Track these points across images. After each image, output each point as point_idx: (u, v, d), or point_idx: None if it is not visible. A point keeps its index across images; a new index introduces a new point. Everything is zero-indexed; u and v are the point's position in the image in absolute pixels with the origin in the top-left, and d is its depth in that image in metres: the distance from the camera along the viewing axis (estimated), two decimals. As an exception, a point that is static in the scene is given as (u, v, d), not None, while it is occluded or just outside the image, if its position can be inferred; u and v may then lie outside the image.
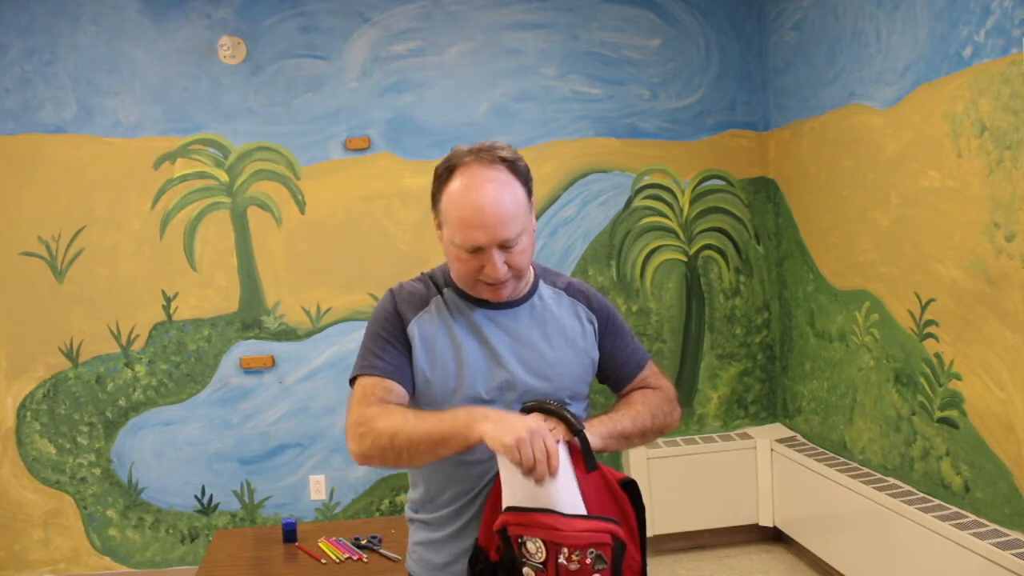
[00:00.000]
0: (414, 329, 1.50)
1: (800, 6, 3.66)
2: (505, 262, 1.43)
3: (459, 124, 3.85)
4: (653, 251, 3.99)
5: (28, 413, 3.74)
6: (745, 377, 4.08)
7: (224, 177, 3.79)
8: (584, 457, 1.35)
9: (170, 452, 3.81)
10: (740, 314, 4.06)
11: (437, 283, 1.58)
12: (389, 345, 1.49)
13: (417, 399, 1.50)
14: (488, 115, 3.87)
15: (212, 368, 3.81)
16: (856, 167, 3.31)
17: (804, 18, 3.64)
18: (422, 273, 1.62)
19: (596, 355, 1.58)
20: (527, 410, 1.39)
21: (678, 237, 4.01)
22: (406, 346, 1.50)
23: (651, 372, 1.64)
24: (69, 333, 3.74)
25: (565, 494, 1.30)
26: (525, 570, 1.30)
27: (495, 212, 1.40)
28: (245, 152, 3.79)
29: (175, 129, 3.75)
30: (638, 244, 3.98)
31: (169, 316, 3.79)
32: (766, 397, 4.10)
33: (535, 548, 1.29)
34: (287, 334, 3.83)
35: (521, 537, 1.30)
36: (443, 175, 1.46)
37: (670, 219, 4.00)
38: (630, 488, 1.38)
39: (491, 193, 1.40)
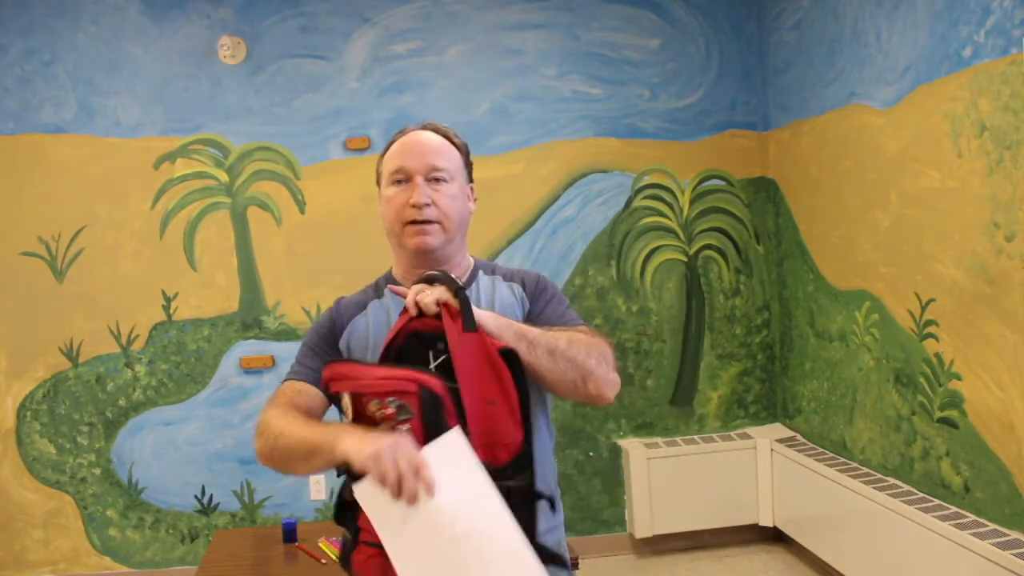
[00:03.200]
0: (346, 337, 1.51)
1: (800, 6, 3.66)
2: (432, 201, 1.45)
3: (459, 124, 3.80)
4: (653, 251, 3.99)
5: (28, 413, 3.74)
6: (745, 377, 4.08)
7: (224, 177, 3.79)
8: (463, 317, 1.26)
9: (170, 452, 3.81)
10: (740, 314, 4.06)
11: (378, 286, 1.60)
12: (313, 353, 1.51)
13: None
14: (488, 115, 3.87)
15: (212, 368, 3.81)
16: (856, 167, 3.31)
17: (804, 18, 3.64)
18: (367, 285, 1.64)
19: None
20: (416, 282, 1.35)
21: (678, 237, 4.01)
22: (335, 351, 1.50)
23: (586, 330, 1.54)
24: (69, 333, 3.74)
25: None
26: None
27: (425, 142, 1.51)
28: (245, 152, 3.79)
29: (175, 129, 3.75)
30: (638, 244, 3.98)
31: (169, 316, 3.78)
32: (766, 397, 4.10)
33: (346, 403, 1.27)
34: (287, 334, 3.83)
35: (339, 395, 1.29)
36: (384, 148, 1.56)
37: (670, 219, 4.00)
38: (509, 357, 1.27)
39: (423, 134, 1.53)
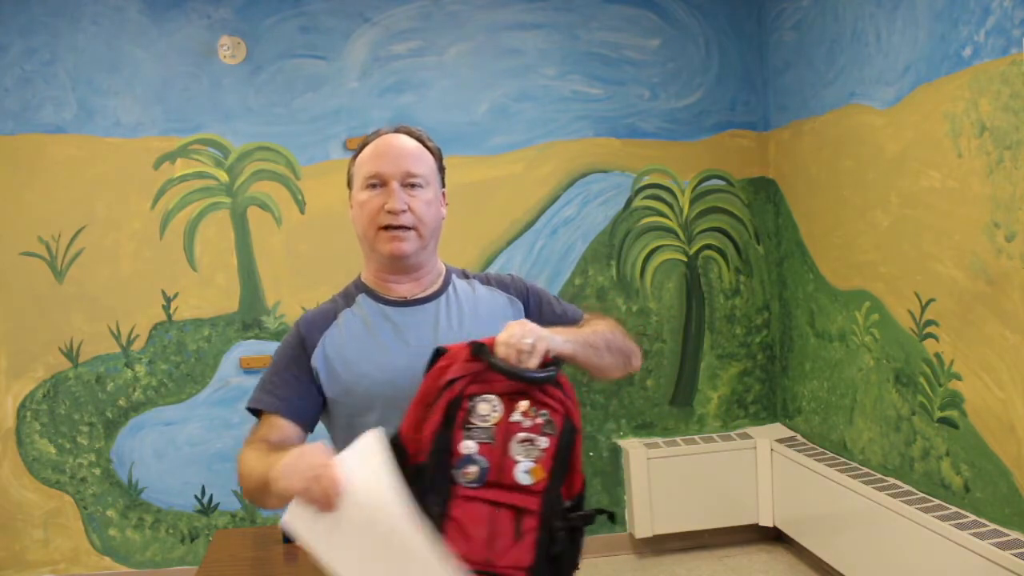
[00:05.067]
0: (320, 352, 1.49)
1: (800, 6, 3.66)
2: (408, 206, 1.44)
3: (459, 124, 3.85)
4: (653, 251, 3.99)
5: (28, 413, 3.74)
6: (745, 377, 4.08)
7: (224, 177, 3.79)
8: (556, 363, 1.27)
9: (170, 452, 3.81)
10: (740, 314, 4.06)
11: (348, 294, 1.58)
12: (282, 380, 1.48)
13: (349, 405, 1.47)
14: (488, 115, 3.87)
15: (212, 368, 3.81)
16: (856, 167, 3.31)
17: (804, 18, 3.64)
18: (334, 294, 1.61)
19: None
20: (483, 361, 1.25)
21: (678, 237, 4.01)
22: (306, 373, 1.48)
23: (591, 317, 1.62)
24: (69, 333, 3.74)
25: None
26: (465, 443, 1.20)
27: (401, 146, 1.49)
28: (245, 152, 3.79)
29: (175, 129, 3.75)
30: (638, 244, 3.98)
31: (169, 316, 3.78)
32: (766, 397, 4.10)
33: (488, 408, 1.22)
34: (287, 334, 3.82)
35: (473, 398, 1.22)
36: (356, 151, 1.53)
37: (670, 219, 4.00)
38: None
39: (398, 138, 1.50)
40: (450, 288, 1.56)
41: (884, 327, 3.19)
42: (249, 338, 3.82)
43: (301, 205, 3.82)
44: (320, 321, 1.53)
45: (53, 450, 3.75)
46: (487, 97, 3.87)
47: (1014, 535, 2.54)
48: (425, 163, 1.49)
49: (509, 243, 3.91)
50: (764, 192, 4.05)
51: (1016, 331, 2.51)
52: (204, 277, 3.79)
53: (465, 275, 1.61)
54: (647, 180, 3.97)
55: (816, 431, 3.75)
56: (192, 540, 3.82)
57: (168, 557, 3.82)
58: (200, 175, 3.77)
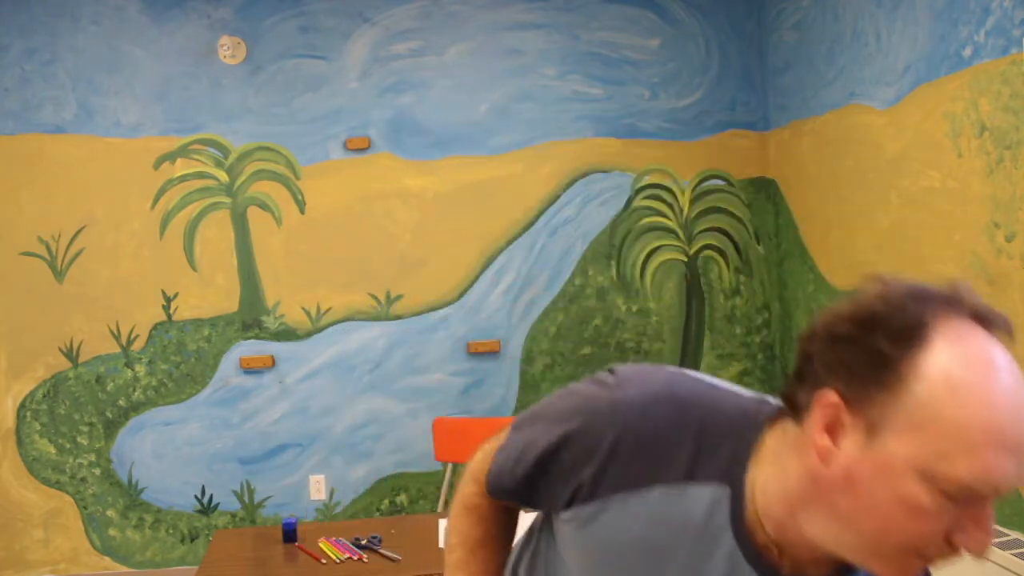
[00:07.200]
0: (587, 512, 0.92)
1: (800, 6, 3.66)
2: None
3: (459, 124, 3.85)
4: (653, 251, 3.99)
5: (28, 413, 3.74)
6: (745, 377, 4.08)
7: (224, 177, 3.79)
8: None
9: (170, 452, 3.81)
10: (740, 314, 4.06)
11: (716, 458, 0.88)
12: (534, 475, 0.98)
13: None
14: (488, 115, 3.87)
15: (212, 368, 3.81)
16: (856, 167, 3.31)
17: (804, 18, 3.64)
18: (707, 399, 0.91)
19: None
20: None
21: (678, 237, 4.01)
22: (549, 496, 0.97)
23: None
24: (69, 333, 3.74)
25: None
26: None
27: None
28: (245, 152, 3.79)
29: (175, 129, 3.75)
30: (638, 244, 3.98)
31: (169, 316, 3.79)
32: (766, 397, 4.10)
33: None
34: (287, 334, 3.83)
35: None
36: (901, 332, 0.75)
37: (670, 219, 4.00)
38: None
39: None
40: None
41: (884, 327, 3.18)
42: (249, 338, 3.82)
43: (301, 205, 3.83)
44: (638, 459, 0.89)
45: (53, 450, 3.75)
46: (487, 97, 3.87)
47: (1014, 535, 2.54)
48: None
49: (509, 243, 3.91)
50: (764, 192, 4.05)
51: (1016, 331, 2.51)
52: (204, 277, 3.80)
53: None
54: (647, 180, 3.97)
55: (816, 431, 3.75)
56: (192, 540, 3.82)
57: (168, 557, 3.82)
58: (200, 175, 3.77)
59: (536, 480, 0.97)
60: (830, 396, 0.78)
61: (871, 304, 0.77)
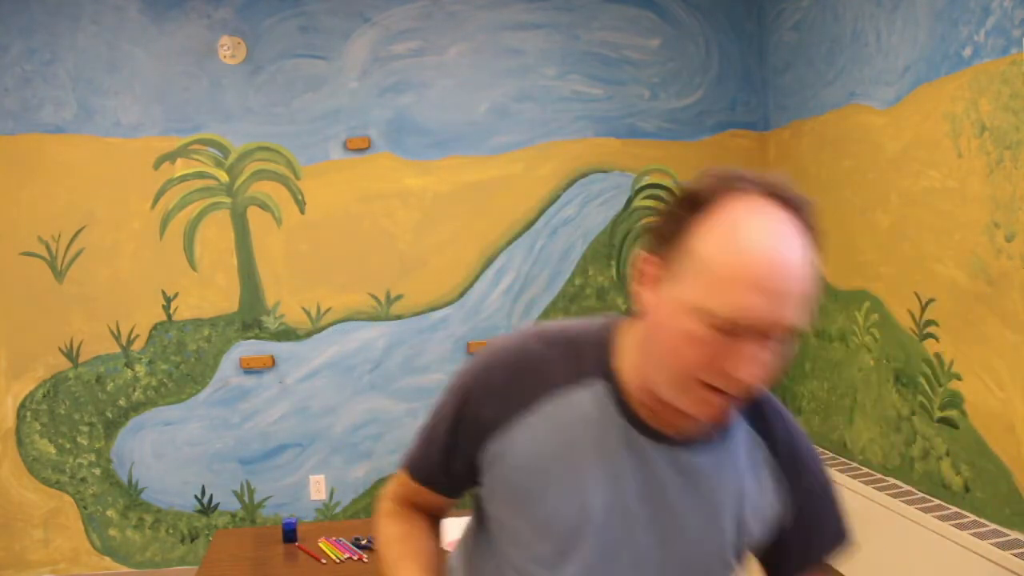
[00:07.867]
0: (498, 448, 1.03)
1: (800, 6, 3.66)
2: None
3: (459, 124, 3.85)
4: (653, 251, 3.99)
5: (28, 413, 3.74)
6: (745, 377, 4.08)
7: (224, 177, 3.79)
8: None
9: (170, 452, 3.81)
10: (740, 314, 4.05)
11: (584, 361, 1.03)
12: (437, 448, 1.09)
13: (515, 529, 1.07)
14: (488, 115, 3.87)
15: (212, 368, 3.81)
16: (856, 167, 3.31)
17: (804, 18, 3.64)
18: (561, 326, 1.07)
19: (760, 534, 1.11)
20: None
21: (678, 237, 4.00)
22: (467, 465, 1.07)
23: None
24: (69, 333, 3.74)
25: None
26: None
27: (788, 275, 0.87)
28: (245, 152, 3.79)
29: (175, 129, 3.75)
30: (638, 244, 3.98)
31: (169, 316, 3.79)
32: (766, 397, 4.10)
33: None
34: (287, 334, 3.83)
35: None
36: (694, 202, 0.92)
37: (670, 219, 4.00)
38: None
39: (791, 248, 0.88)
40: (734, 431, 1.06)
41: (884, 327, 3.18)
42: (249, 338, 3.82)
43: (301, 205, 3.82)
44: (524, 388, 1.03)
45: (53, 450, 3.75)
46: (487, 97, 3.88)
47: (1014, 535, 2.54)
48: (809, 305, 0.90)
49: (509, 243, 3.91)
50: (764, 192, 4.04)
51: (1016, 331, 2.51)
52: (204, 277, 3.80)
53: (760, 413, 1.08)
54: (647, 180, 3.98)
55: (816, 431, 3.75)
56: (192, 540, 3.82)
57: (168, 557, 3.82)
58: (200, 175, 3.77)
59: (453, 449, 1.07)
60: (642, 255, 0.96)
61: (689, 186, 0.94)
